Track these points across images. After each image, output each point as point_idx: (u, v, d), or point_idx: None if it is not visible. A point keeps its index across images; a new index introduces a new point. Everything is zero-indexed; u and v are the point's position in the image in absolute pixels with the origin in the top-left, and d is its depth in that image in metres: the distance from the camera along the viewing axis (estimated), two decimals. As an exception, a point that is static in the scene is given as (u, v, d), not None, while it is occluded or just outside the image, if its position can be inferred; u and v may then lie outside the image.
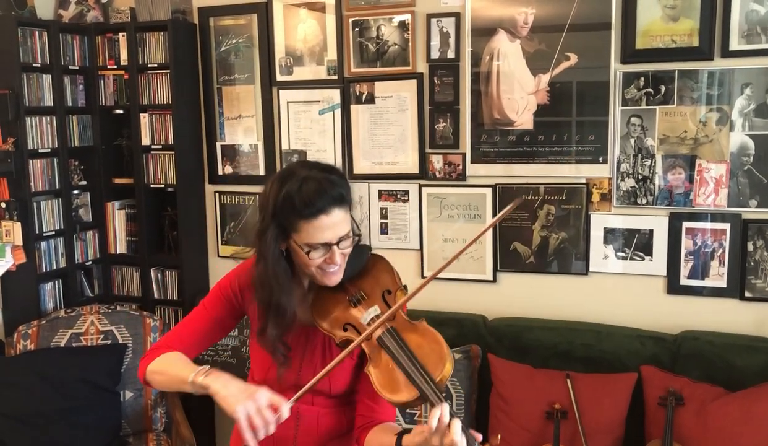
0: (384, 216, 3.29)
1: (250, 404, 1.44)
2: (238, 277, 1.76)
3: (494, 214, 3.11)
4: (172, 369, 1.65)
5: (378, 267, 1.72)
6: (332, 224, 1.57)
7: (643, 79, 2.85)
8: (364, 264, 1.72)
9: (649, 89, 2.84)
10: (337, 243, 1.59)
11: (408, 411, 2.85)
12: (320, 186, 1.56)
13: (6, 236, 3.18)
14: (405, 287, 1.68)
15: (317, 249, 1.58)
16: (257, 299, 1.67)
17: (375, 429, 1.65)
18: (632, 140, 2.89)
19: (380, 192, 3.30)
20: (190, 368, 1.60)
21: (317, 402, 1.72)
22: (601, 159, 2.93)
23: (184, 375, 1.58)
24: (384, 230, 3.29)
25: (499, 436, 1.51)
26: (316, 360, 1.71)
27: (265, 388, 1.50)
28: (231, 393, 1.48)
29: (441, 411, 1.40)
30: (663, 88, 2.83)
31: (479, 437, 1.44)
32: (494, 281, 3.15)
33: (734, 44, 2.72)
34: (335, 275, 1.64)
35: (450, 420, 1.40)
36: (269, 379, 1.70)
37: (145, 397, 3.18)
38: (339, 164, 3.27)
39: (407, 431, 1.54)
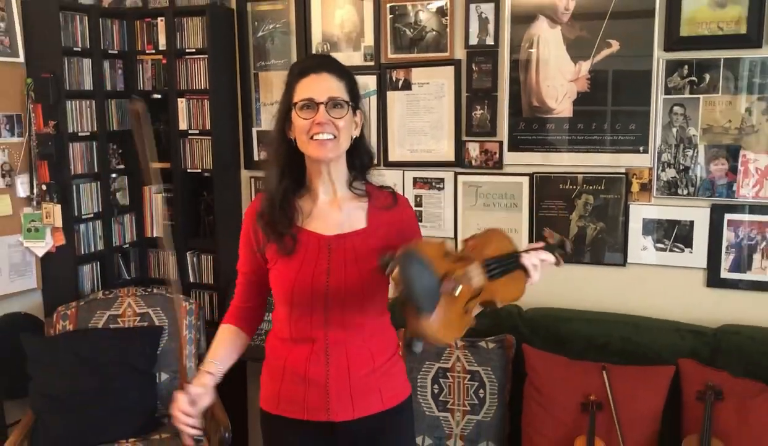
0: (419, 204, 3.27)
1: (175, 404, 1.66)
2: (248, 216, 1.84)
3: (531, 203, 3.08)
4: (210, 348, 1.86)
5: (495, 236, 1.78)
6: (322, 83, 1.67)
7: (687, 67, 2.79)
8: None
9: (693, 78, 2.79)
10: (326, 103, 1.66)
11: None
12: (318, 55, 1.81)
13: (46, 218, 3.22)
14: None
15: (305, 108, 1.66)
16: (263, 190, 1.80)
17: None
18: (674, 130, 2.84)
19: (415, 180, 3.27)
20: (210, 358, 1.82)
21: (349, 327, 1.75)
22: (641, 149, 2.89)
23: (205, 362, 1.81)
24: (418, 217, 3.25)
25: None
26: (350, 261, 1.74)
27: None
28: None
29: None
30: (707, 77, 2.77)
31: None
32: (530, 270, 3.11)
33: (784, 32, 2.65)
34: (324, 146, 1.67)
35: None
36: (297, 294, 1.74)
37: (180, 379, 3.20)
38: (374, 151, 3.24)
39: None
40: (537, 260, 1.68)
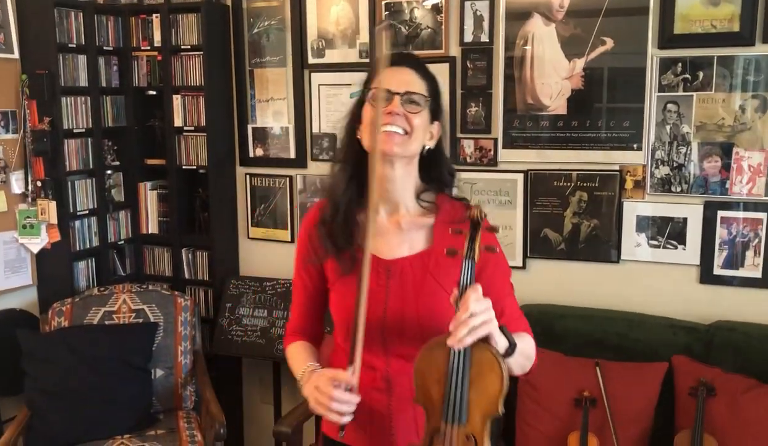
0: (413, 201, 3.26)
1: (314, 392, 1.48)
2: (306, 224, 1.71)
3: (525, 200, 3.08)
4: (292, 363, 1.70)
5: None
6: (401, 75, 1.54)
7: (680, 64, 2.79)
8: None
9: (687, 75, 2.79)
10: (402, 94, 1.52)
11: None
12: (403, 52, 1.67)
13: (41, 214, 3.23)
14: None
15: (379, 98, 1.49)
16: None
17: None
18: (668, 127, 2.85)
19: (410, 176, 3.26)
20: (301, 365, 1.64)
21: (410, 357, 1.55)
22: (635, 146, 2.89)
23: (296, 373, 1.64)
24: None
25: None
26: (408, 289, 1.58)
27: (326, 370, 1.52)
28: (306, 392, 1.54)
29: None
30: (701, 74, 2.77)
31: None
32: (524, 267, 3.13)
33: (777, 29, 2.66)
34: (391, 139, 1.51)
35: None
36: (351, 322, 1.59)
37: (175, 375, 3.21)
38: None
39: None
40: (467, 324, 1.35)
